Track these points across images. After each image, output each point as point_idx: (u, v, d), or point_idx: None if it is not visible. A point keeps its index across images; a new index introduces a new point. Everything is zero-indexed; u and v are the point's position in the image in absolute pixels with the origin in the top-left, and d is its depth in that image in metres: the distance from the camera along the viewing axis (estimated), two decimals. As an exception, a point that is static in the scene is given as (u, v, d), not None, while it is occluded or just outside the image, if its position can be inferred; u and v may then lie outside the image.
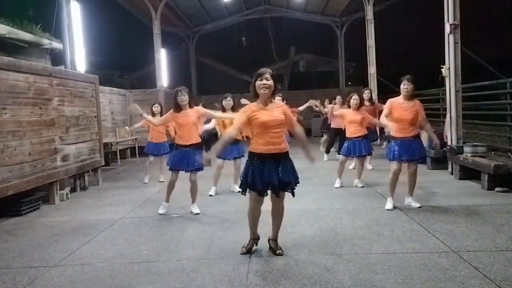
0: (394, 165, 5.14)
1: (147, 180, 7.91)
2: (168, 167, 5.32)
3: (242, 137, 6.02)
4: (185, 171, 5.25)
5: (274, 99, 3.72)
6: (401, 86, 5.10)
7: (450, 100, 7.18)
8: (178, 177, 5.33)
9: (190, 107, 5.23)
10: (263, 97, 3.56)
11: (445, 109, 8.31)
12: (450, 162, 7.36)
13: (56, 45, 9.16)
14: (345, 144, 6.63)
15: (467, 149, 6.71)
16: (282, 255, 3.70)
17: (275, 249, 3.76)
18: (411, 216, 4.78)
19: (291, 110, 4.60)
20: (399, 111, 5.06)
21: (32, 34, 8.72)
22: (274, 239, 3.82)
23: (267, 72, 3.54)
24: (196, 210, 5.35)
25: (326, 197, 6.00)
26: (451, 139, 7.20)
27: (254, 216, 3.76)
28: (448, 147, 7.26)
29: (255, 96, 3.61)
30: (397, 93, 5.33)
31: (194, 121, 5.20)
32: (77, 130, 7.13)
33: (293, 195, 3.66)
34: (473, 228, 4.26)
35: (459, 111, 7.15)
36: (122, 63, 18.75)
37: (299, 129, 3.73)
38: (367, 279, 3.14)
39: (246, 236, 4.27)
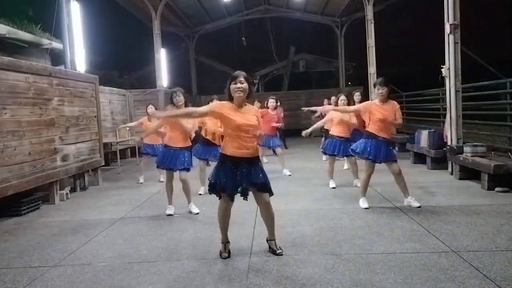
0: (369, 167, 5.19)
1: (142, 180, 7.92)
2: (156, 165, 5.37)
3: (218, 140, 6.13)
4: (173, 170, 5.25)
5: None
6: (376, 91, 5.18)
7: (450, 100, 7.18)
8: (174, 177, 5.32)
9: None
10: (238, 100, 3.55)
11: (445, 109, 8.30)
12: (450, 162, 7.35)
13: (56, 45, 9.16)
14: (328, 143, 6.64)
15: (467, 149, 6.71)
16: (282, 254, 3.70)
17: (274, 249, 3.75)
18: (411, 216, 4.78)
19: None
20: (381, 112, 5.09)
21: (32, 34, 8.72)
22: (271, 239, 3.81)
23: (241, 75, 3.53)
24: (195, 209, 5.34)
25: (326, 197, 6.00)
26: (451, 139, 7.20)
27: (224, 219, 3.77)
28: (448, 147, 7.26)
29: (229, 99, 3.60)
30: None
31: (184, 123, 5.11)
32: (77, 130, 7.13)
33: (271, 193, 3.69)
34: (473, 228, 4.26)
35: (459, 111, 7.14)
36: (122, 63, 18.77)
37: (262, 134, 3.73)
38: (367, 279, 3.14)
39: (246, 236, 4.29)
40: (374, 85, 5.21)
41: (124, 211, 5.66)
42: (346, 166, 8.24)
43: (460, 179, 6.86)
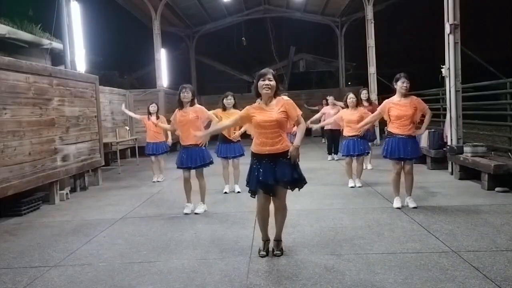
0: (395, 166, 5.15)
1: (156, 179, 7.93)
2: (176, 166, 5.32)
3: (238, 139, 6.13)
4: (191, 169, 5.23)
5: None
6: (400, 84, 5.07)
7: (450, 100, 7.17)
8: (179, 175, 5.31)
9: (192, 105, 5.18)
10: (265, 97, 3.58)
11: (445, 109, 8.30)
12: (450, 162, 7.35)
13: (56, 45, 9.17)
14: (343, 144, 6.64)
15: (467, 149, 6.71)
16: (279, 256, 3.67)
17: (274, 248, 3.74)
18: (411, 216, 4.78)
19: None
20: (398, 109, 5.07)
21: (32, 34, 8.73)
22: (275, 239, 3.80)
23: (269, 72, 3.55)
24: (200, 210, 5.30)
25: (326, 197, 6.00)
26: (451, 139, 7.20)
27: (261, 218, 3.74)
28: (448, 147, 7.25)
29: (257, 96, 3.64)
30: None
31: (192, 120, 5.07)
32: (77, 130, 7.13)
33: (293, 189, 3.67)
34: (473, 228, 4.26)
35: (459, 111, 7.14)
36: (122, 63, 18.75)
37: (301, 127, 3.68)
38: (367, 279, 3.14)
39: (246, 236, 4.29)
40: (398, 79, 5.08)
41: (124, 211, 5.66)
42: (370, 167, 8.19)
43: (460, 179, 6.86)
